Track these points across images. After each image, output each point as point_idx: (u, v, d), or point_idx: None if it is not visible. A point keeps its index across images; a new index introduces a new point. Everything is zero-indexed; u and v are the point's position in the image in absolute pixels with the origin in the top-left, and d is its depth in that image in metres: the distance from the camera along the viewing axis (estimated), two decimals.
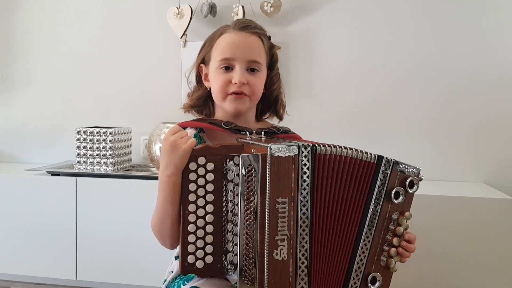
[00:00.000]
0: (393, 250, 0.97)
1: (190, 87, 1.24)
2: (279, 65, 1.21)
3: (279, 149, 0.87)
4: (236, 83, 1.08)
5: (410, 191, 0.97)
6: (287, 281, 0.88)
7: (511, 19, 1.94)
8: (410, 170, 0.97)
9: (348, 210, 0.95)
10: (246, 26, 1.12)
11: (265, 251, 0.87)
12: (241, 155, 0.89)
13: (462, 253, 1.67)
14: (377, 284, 0.96)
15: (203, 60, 1.17)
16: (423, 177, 0.98)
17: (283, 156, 0.88)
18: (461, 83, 1.98)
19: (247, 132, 1.04)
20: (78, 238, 1.93)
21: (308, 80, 2.11)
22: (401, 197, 0.96)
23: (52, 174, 1.99)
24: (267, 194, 0.87)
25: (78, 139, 2.04)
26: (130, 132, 2.17)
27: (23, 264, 1.97)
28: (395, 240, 0.96)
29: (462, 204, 1.66)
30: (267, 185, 0.87)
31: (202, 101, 1.18)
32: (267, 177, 0.87)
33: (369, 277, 0.96)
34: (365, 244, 0.95)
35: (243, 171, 0.89)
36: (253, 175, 0.89)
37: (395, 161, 0.96)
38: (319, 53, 2.10)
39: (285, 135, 1.13)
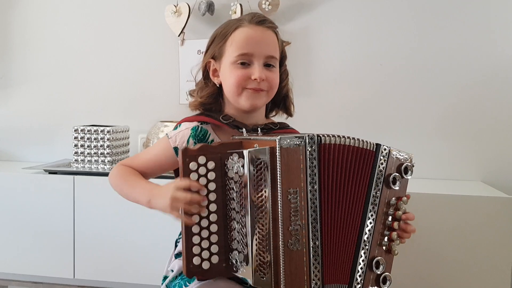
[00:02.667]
0: (394, 233, 1.00)
1: (195, 80, 1.20)
2: None
3: (287, 141, 0.89)
4: (256, 79, 1.06)
5: (406, 176, 1.01)
6: (302, 271, 0.89)
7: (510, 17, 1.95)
8: (404, 156, 1.02)
9: (352, 197, 0.98)
10: (262, 20, 1.10)
11: (280, 243, 0.88)
12: (248, 150, 0.89)
13: (459, 251, 1.67)
14: (381, 268, 0.99)
15: (212, 54, 1.12)
16: (415, 163, 1.03)
17: (291, 147, 0.89)
18: (459, 81, 1.99)
19: (244, 129, 1.05)
20: (75, 237, 1.92)
21: (306, 78, 2.11)
22: (398, 183, 1.00)
23: (49, 173, 1.98)
24: (278, 186, 0.88)
25: (75, 138, 2.03)
26: (127, 131, 2.16)
27: (21, 262, 1.96)
28: (395, 224, 1.00)
29: (459, 203, 1.67)
30: (278, 177, 0.88)
31: (212, 99, 1.14)
32: (278, 169, 0.88)
33: (374, 261, 0.98)
34: (369, 230, 0.98)
35: (251, 166, 0.89)
36: (262, 168, 0.89)
37: (391, 148, 1.01)
38: (317, 52, 2.10)
39: (282, 130, 1.14)
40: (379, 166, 0.98)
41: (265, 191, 0.89)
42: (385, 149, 0.99)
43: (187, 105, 1.18)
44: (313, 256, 0.90)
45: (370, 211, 0.98)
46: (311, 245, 0.90)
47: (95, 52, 2.30)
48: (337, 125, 2.08)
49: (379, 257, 0.99)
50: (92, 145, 2.02)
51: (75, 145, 2.04)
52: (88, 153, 2.03)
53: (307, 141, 0.91)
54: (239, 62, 1.07)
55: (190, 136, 1.10)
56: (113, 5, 2.27)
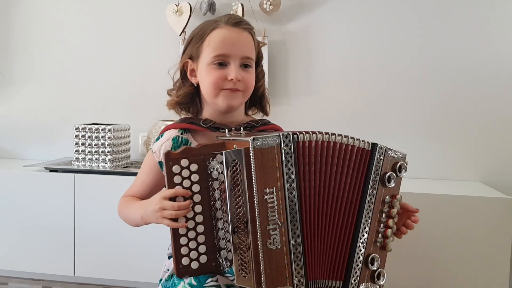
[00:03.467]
0: (389, 231, 1.01)
1: (173, 80, 1.22)
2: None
3: (260, 141, 0.89)
4: (232, 79, 1.07)
5: (400, 175, 1.03)
6: (283, 269, 0.90)
7: (510, 17, 1.94)
8: (399, 155, 1.03)
9: (344, 195, 0.98)
10: (238, 22, 1.12)
11: (259, 242, 0.88)
12: (224, 152, 0.91)
13: (457, 251, 1.67)
14: (376, 264, 1.00)
15: (190, 55, 1.14)
16: (408, 162, 1.05)
17: (266, 147, 0.90)
18: (459, 81, 1.98)
19: (226, 130, 1.05)
20: (76, 235, 1.93)
21: (307, 78, 2.11)
22: (392, 181, 1.01)
23: (50, 171, 1.99)
24: (254, 186, 0.88)
25: (76, 136, 2.04)
26: (128, 129, 2.17)
27: (21, 260, 1.97)
28: (390, 222, 1.01)
29: (458, 203, 1.67)
30: (253, 178, 0.88)
31: (189, 98, 1.17)
32: (252, 170, 0.89)
33: (369, 258, 0.99)
34: (365, 228, 0.98)
35: (228, 167, 0.90)
36: (238, 169, 0.90)
37: (387, 147, 1.02)
38: (318, 51, 2.10)
39: (265, 127, 1.15)
40: (376, 165, 0.99)
41: (242, 191, 0.90)
42: (381, 148, 1.00)
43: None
44: (294, 253, 0.91)
45: (367, 209, 0.98)
46: (292, 243, 0.91)
47: (97, 51, 2.30)
48: (337, 125, 2.08)
49: (373, 254, 0.99)
50: (93, 144, 2.03)
51: (76, 144, 2.04)
52: (89, 152, 2.03)
53: (281, 140, 0.91)
54: (216, 62, 1.08)
55: (171, 148, 1.11)
56: (114, 4, 2.27)
